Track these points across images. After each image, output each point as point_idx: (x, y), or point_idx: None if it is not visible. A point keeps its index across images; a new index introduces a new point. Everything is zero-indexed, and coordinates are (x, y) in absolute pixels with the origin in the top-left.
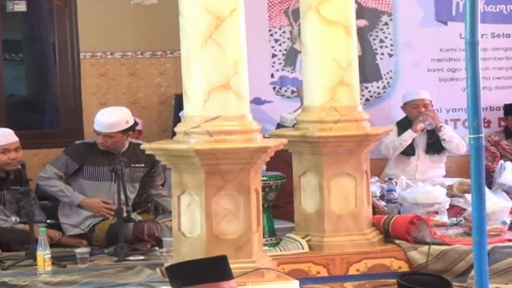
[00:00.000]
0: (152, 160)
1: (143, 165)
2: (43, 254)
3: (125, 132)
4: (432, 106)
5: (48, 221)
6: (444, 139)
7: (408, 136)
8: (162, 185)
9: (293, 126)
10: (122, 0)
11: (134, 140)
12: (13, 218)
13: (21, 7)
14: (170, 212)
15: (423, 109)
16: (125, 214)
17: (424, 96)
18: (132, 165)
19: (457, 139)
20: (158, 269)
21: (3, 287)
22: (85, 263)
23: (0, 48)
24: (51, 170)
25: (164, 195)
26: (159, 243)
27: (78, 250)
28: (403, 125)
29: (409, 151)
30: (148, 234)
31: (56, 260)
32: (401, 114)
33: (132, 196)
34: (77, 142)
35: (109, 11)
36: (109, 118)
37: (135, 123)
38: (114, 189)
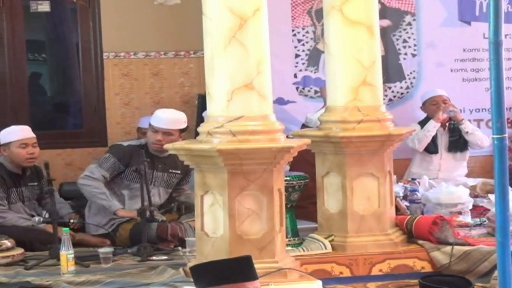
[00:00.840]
0: (186, 168)
1: (179, 171)
2: (67, 254)
3: (182, 131)
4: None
5: (72, 221)
6: (467, 132)
7: (432, 126)
8: None
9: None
10: (146, 0)
11: (131, 143)
12: (36, 218)
13: (45, 7)
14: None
15: (442, 105)
16: (148, 214)
17: (442, 93)
18: (170, 170)
19: (479, 132)
20: (181, 269)
21: (26, 286)
22: (108, 263)
23: (23, 48)
24: (99, 172)
25: (186, 190)
26: (182, 243)
27: (101, 250)
28: (425, 125)
29: (432, 148)
30: (172, 234)
31: (80, 260)
32: (423, 114)
33: (162, 201)
34: (124, 143)
35: (133, 11)
36: (172, 114)
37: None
38: (154, 191)
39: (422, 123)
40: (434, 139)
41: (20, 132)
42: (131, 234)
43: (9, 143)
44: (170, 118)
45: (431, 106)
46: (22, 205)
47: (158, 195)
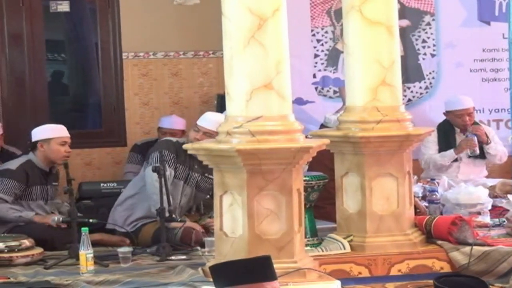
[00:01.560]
0: None
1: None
2: (86, 254)
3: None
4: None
5: (91, 220)
6: (489, 153)
7: (451, 157)
8: None
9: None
10: (165, 0)
11: (179, 139)
12: (55, 217)
13: (64, 7)
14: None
15: (467, 118)
16: (167, 214)
17: (468, 105)
18: (206, 174)
19: (501, 151)
20: (200, 269)
21: (46, 285)
22: (127, 263)
23: (43, 48)
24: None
25: None
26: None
27: (120, 250)
28: (444, 129)
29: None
30: (196, 241)
31: (99, 260)
32: (442, 115)
33: (191, 203)
34: (173, 139)
35: (152, 11)
36: (220, 118)
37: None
38: (187, 191)
39: (441, 127)
40: (450, 144)
41: (60, 130)
42: (153, 236)
43: (50, 139)
44: (217, 120)
45: (456, 118)
46: (44, 203)
47: (189, 196)
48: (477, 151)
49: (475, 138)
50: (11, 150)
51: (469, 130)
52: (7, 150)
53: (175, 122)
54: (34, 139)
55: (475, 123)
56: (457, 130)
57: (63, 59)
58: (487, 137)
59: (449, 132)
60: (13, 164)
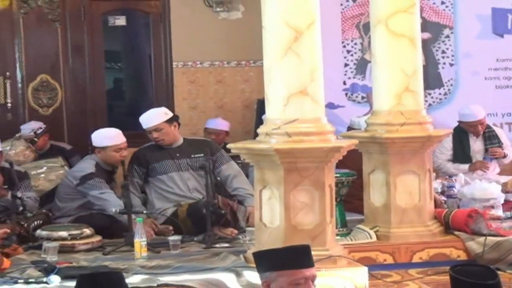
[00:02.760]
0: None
1: (202, 155)
2: (140, 241)
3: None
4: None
5: (145, 211)
6: (504, 162)
7: (463, 170)
8: None
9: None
10: (211, 15)
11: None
12: (113, 209)
13: (121, 21)
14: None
15: (480, 127)
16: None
17: (480, 116)
18: (192, 156)
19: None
20: (241, 256)
21: (105, 269)
22: (177, 250)
23: (102, 58)
24: None
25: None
26: (234, 216)
27: (171, 238)
28: (458, 134)
29: (463, 158)
30: (224, 202)
31: (151, 247)
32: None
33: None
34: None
35: (199, 24)
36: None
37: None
38: (187, 175)
39: (456, 132)
40: (464, 149)
41: (115, 138)
42: (188, 212)
43: (105, 147)
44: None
45: (469, 127)
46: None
47: (193, 178)
48: (495, 157)
49: (490, 162)
50: (61, 146)
51: (489, 153)
52: (57, 146)
53: (220, 124)
54: (93, 144)
55: (488, 126)
56: (471, 134)
57: (120, 68)
58: (504, 154)
59: (463, 136)
60: (88, 167)
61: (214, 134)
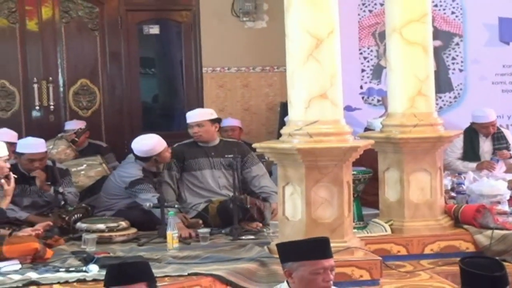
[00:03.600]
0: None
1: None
2: (172, 233)
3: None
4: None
5: (176, 206)
6: (510, 162)
7: (471, 169)
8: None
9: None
10: (238, 25)
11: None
12: (147, 203)
13: (155, 30)
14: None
15: (491, 128)
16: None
17: (492, 118)
18: (225, 156)
19: None
20: (266, 247)
21: (139, 259)
22: (206, 241)
23: (137, 64)
24: None
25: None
26: (261, 214)
27: (200, 230)
28: (469, 134)
29: (473, 157)
30: (251, 202)
31: (182, 239)
32: (468, 120)
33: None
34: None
35: (227, 33)
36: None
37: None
38: (218, 174)
39: (467, 132)
40: (474, 148)
41: (151, 151)
42: (218, 210)
43: (149, 158)
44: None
45: (481, 128)
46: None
47: (223, 176)
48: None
49: (497, 163)
50: (98, 143)
51: (497, 154)
52: (94, 143)
53: (232, 121)
54: (135, 152)
55: (497, 128)
56: (481, 135)
57: (153, 73)
58: (510, 156)
59: (474, 137)
60: (136, 173)
61: (230, 130)
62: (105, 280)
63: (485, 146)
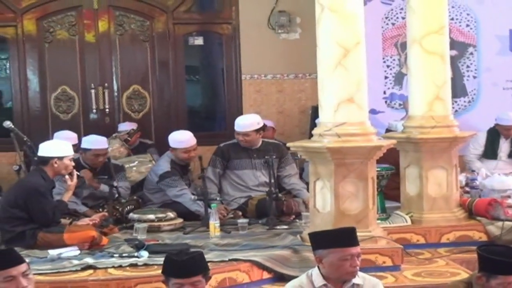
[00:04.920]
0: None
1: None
2: (214, 223)
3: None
4: None
5: (218, 198)
6: None
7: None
8: (301, 175)
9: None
10: (273, 36)
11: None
12: (192, 196)
13: (199, 41)
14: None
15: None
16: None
17: None
18: (266, 157)
19: None
20: (298, 236)
21: (185, 246)
22: (244, 230)
23: (183, 71)
24: None
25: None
26: (297, 214)
27: (239, 221)
28: (491, 134)
29: (491, 155)
30: (287, 208)
31: (223, 228)
32: (481, 122)
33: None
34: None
35: (264, 44)
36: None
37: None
38: (258, 174)
39: (490, 132)
40: (494, 147)
41: (186, 142)
42: (257, 207)
43: (177, 149)
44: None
45: (504, 130)
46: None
47: (263, 174)
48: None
49: None
50: (145, 141)
51: None
52: (144, 142)
53: (266, 122)
54: (169, 143)
55: None
56: (502, 136)
57: (197, 80)
58: None
59: (495, 137)
60: (165, 165)
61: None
62: (165, 271)
63: (504, 146)
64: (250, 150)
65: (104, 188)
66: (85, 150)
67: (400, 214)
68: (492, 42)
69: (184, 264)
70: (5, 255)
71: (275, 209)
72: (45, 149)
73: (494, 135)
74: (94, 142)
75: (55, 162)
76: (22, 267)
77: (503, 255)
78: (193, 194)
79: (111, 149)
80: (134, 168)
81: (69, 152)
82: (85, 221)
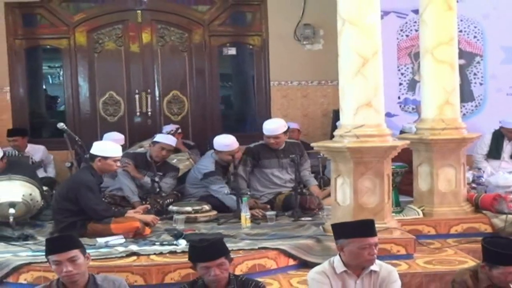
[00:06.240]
0: (301, 153)
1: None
2: (245, 215)
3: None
4: None
5: (249, 193)
6: None
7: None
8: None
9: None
10: (299, 47)
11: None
12: (226, 191)
13: (232, 51)
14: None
15: None
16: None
17: None
18: (290, 156)
19: None
20: (321, 227)
21: (219, 236)
22: (272, 222)
23: (217, 79)
24: None
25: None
26: (318, 209)
27: (268, 213)
28: (496, 135)
29: (496, 155)
30: (309, 203)
31: (254, 219)
32: (486, 125)
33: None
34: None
35: (290, 54)
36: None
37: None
38: (282, 173)
39: (495, 133)
40: (498, 148)
41: (230, 146)
42: (284, 202)
43: (221, 152)
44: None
45: (508, 132)
46: (227, 185)
47: (288, 173)
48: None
49: None
50: (187, 142)
51: None
52: (187, 143)
53: (293, 124)
54: (214, 146)
55: None
56: (506, 138)
57: (230, 86)
58: None
59: (500, 138)
60: (209, 165)
61: (291, 132)
62: (191, 257)
63: (507, 148)
64: (276, 151)
65: (147, 180)
66: (155, 142)
67: (413, 208)
68: (497, 52)
69: (207, 249)
70: (54, 241)
71: (299, 203)
72: (95, 147)
73: (499, 137)
74: (165, 138)
75: (99, 161)
76: (69, 254)
77: (504, 247)
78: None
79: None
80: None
81: (114, 153)
82: (130, 213)
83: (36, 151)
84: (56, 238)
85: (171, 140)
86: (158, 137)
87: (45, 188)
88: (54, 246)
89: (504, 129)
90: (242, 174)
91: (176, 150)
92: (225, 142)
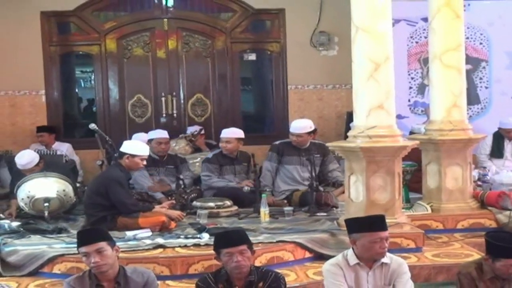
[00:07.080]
0: (323, 152)
1: (318, 155)
2: (264, 210)
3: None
4: None
5: (267, 189)
6: None
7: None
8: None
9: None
10: (315, 53)
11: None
12: (245, 187)
13: (252, 57)
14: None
15: None
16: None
17: None
18: (311, 155)
19: None
20: (335, 221)
21: (240, 229)
22: (289, 217)
23: (238, 82)
24: None
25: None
26: (333, 205)
27: (286, 209)
28: (497, 136)
29: (498, 155)
30: (325, 200)
31: (272, 214)
32: (491, 126)
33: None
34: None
35: (306, 59)
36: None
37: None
38: (301, 170)
39: (495, 134)
40: (499, 148)
41: (238, 133)
42: (300, 199)
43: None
44: (297, 126)
45: (506, 132)
46: (234, 176)
47: (306, 170)
48: None
49: None
50: (210, 142)
51: None
52: (209, 143)
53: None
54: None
55: None
56: (506, 138)
57: (250, 89)
58: None
59: (500, 139)
60: (210, 154)
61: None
62: (215, 245)
63: (508, 147)
64: (299, 149)
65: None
66: (150, 140)
67: (422, 204)
68: (501, 58)
69: (231, 235)
70: (83, 234)
71: (315, 200)
72: (125, 145)
73: (499, 137)
74: (156, 133)
75: (127, 158)
76: (96, 245)
77: (506, 241)
78: (238, 183)
79: (178, 148)
80: (197, 164)
81: (141, 152)
82: (157, 208)
83: (62, 147)
84: (85, 231)
85: (162, 133)
86: (150, 134)
87: (77, 184)
88: (83, 239)
89: (502, 130)
90: (269, 169)
91: (198, 150)
92: (233, 130)
